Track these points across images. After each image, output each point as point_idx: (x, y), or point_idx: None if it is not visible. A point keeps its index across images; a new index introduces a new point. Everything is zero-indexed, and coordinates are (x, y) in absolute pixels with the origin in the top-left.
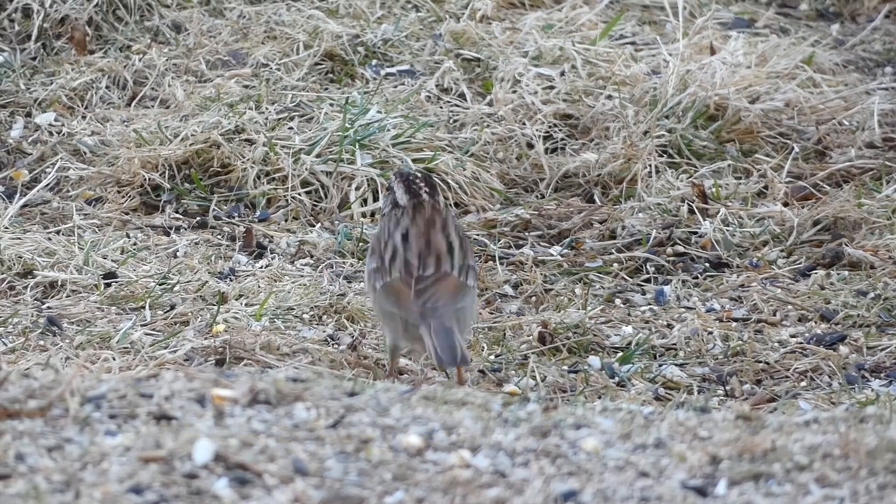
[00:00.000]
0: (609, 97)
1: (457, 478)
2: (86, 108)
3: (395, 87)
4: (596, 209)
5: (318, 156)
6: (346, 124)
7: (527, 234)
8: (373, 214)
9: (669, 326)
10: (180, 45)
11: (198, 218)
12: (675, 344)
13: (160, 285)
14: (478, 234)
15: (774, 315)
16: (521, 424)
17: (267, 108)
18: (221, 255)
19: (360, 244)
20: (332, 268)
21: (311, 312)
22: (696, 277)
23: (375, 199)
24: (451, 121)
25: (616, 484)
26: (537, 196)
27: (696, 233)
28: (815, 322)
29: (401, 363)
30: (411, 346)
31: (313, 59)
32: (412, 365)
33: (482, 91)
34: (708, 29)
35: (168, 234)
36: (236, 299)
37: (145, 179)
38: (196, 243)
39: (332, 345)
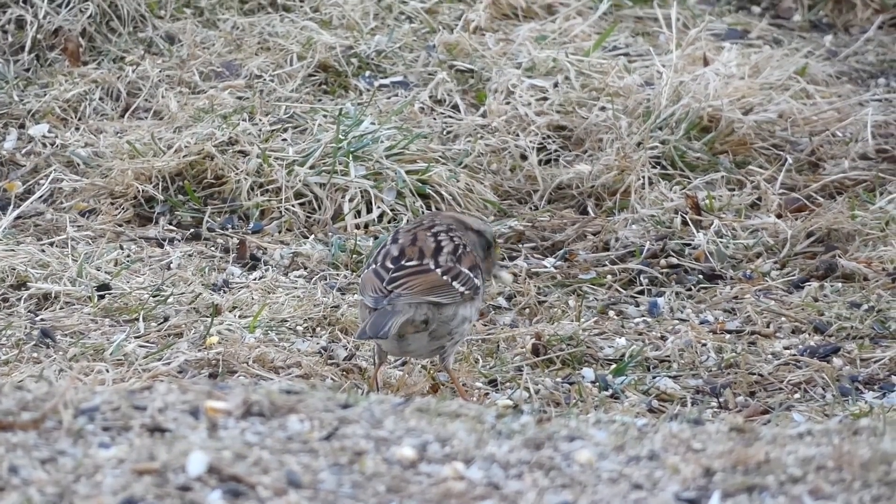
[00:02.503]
0: (602, 108)
1: (450, 490)
2: (79, 119)
3: (389, 98)
4: (589, 221)
5: (311, 167)
6: (340, 136)
7: (520, 245)
8: (366, 226)
9: (663, 338)
10: (174, 57)
11: (191, 230)
12: (668, 356)
13: (154, 297)
14: None
15: (768, 327)
16: (514, 436)
17: (260, 120)
18: (215, 267)
19: (354, 256)
20: (325, 280)
21: (305, 324)
22: (690, 289)
23: (369, 211)
24: (444, 132)
25: (610, 496)
26: (531, 208)
27: (689, 244)
28: (809, 334)
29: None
30: (387, 349)
31: (307, 70)
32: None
33: (476, 102)
34: (701, 40)
35: (162, 246)
36: (230, 311)
37: (139, 191)
38: (190, 255)
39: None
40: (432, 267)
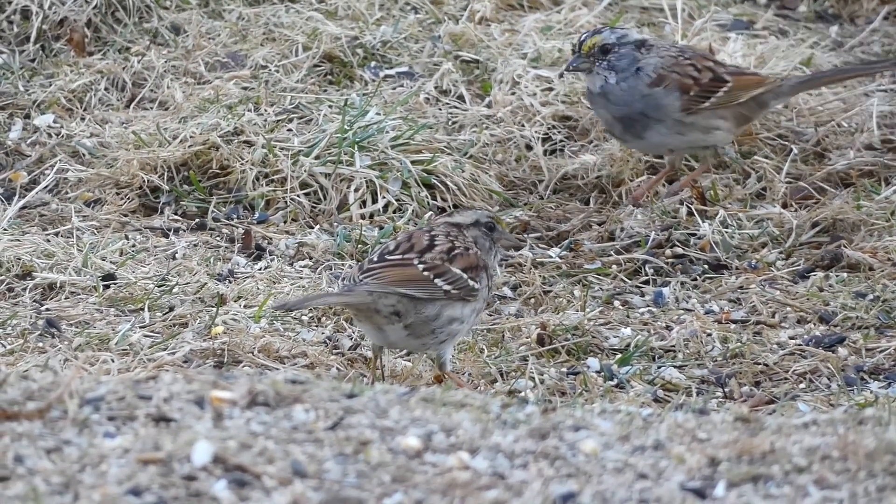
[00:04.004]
0: None
1: (455, 479)
2: (84, 109)
3: (394, 88)
4: (595, 211)
5: (316, 157)
6: (345, 126)
7: (526, 235)
8: (372, 216)
9: (668, 328)
10: (179, 47)
11: (196, 220)
12: (673, 346)
13: (159, 287)
14: None
15: (773, 317)
16: (519, 426)
17: (266, 110)
18: (220, 257)
19: (359, 246)
20: (330, 270)
21: (310, 314)
22: (695, 279)
23: (374, 201)
24: (449, 122)
25: (615, 486)
26: (536, 198)
27: (694, 234)
28: (814, 324)
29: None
30: (372, 338)
31: (312, 60)
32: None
33: (481, 93)
34: (707, 30)
35: (167, 236)
36: (235, 301)
37: (144, 181)
38: (195, 245)
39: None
40: (415, 262)
